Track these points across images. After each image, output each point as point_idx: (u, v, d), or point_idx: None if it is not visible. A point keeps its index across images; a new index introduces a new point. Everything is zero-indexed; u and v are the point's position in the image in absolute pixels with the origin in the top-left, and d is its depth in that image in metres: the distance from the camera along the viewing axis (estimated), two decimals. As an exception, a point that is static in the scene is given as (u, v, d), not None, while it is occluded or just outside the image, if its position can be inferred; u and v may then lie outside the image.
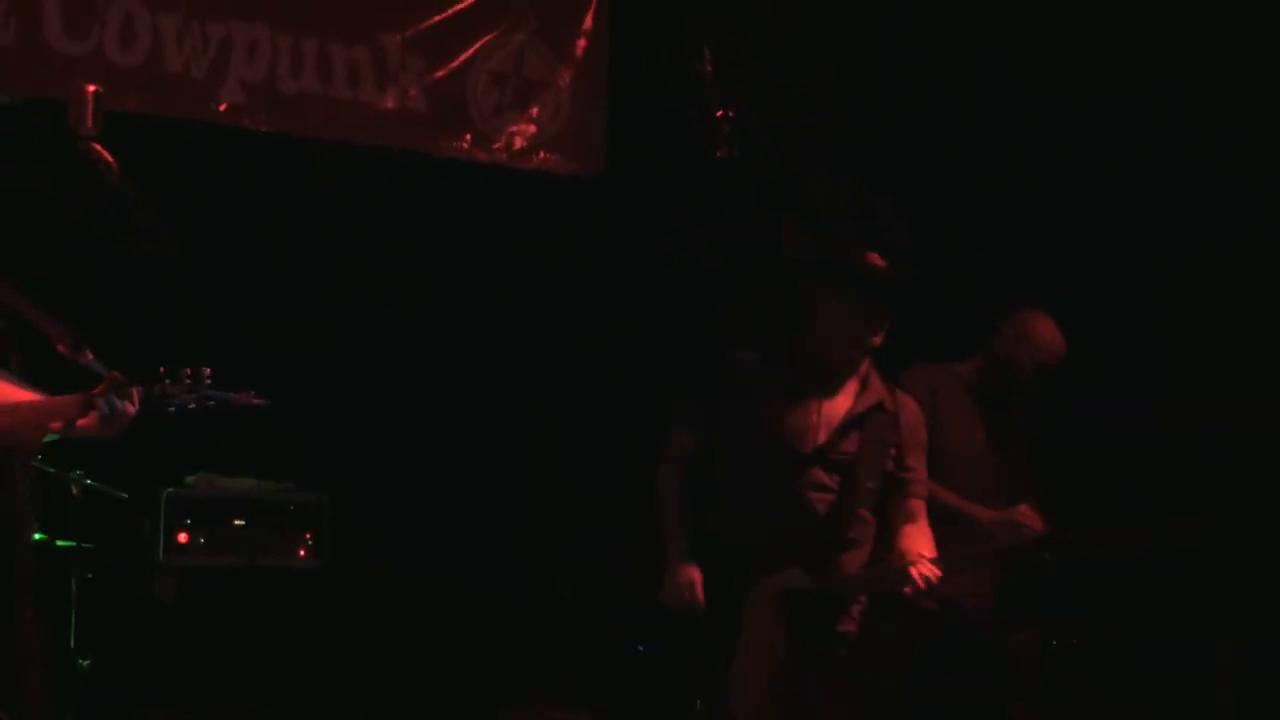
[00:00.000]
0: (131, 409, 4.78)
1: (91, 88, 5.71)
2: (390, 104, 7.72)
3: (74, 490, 6.73)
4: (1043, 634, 6.57)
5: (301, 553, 7.64)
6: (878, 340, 5.72)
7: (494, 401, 8.35)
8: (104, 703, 7.37)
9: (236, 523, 7.61)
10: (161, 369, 4.84)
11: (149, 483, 7.53)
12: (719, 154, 8.23)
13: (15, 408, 5.00)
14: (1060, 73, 8.07)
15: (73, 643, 7.22)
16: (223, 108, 7.45)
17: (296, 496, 7.71)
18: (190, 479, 7.73)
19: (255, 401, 5.05)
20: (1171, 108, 7.84)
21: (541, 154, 8.05)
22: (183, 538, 7.52)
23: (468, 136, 7.90)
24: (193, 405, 4.83)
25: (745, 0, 8.42)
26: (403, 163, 7.95)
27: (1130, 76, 7.94)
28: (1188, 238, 7.69)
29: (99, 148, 5.62)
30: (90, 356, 4.88)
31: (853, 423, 5.73)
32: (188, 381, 4.82)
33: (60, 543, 6.80)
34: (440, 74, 7.83)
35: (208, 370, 4.87)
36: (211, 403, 4.85)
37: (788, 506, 5.67)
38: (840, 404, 5.77)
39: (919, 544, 5.69)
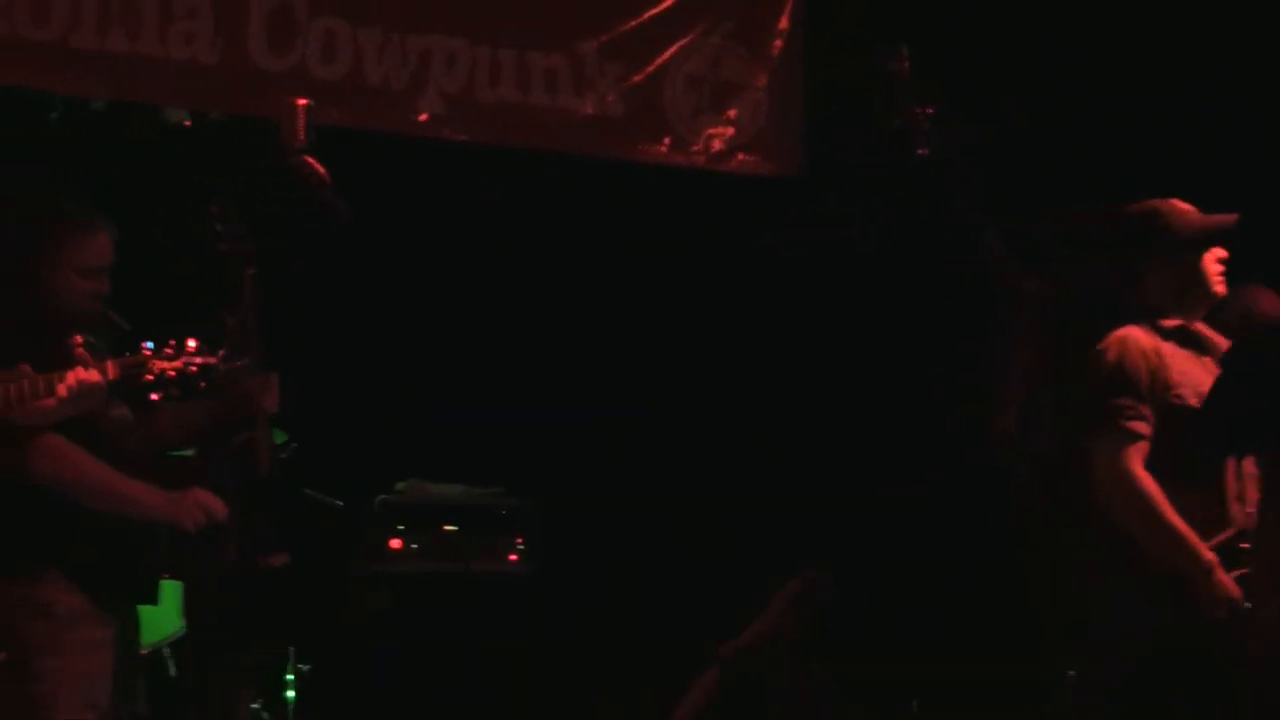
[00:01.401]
0: (96, 377, 4.81)
1: (302, 102, 5.80)
2: (589, 110, 7.73)
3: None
4: None
5: (513, 558, 7.68)
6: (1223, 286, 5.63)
7: (695, 402, 8.37)
8: (321, 708, 7.49)
9: (447, 529, 7.67)
10: (145, 341, 4.88)
11: (360, 490, 7.64)
12: (919, 152, 8.18)
13: None
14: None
15: (291, 649, 7.37)
16: (423, 119, 7.50)
17: (507, 501, 7.76)
18: (401, 486, 7.81)
19: (237, 364, 5.10)
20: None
21: (740, 156, 8.02)
22: (395, 544, 7.60)
23: (666, 140, 7.90)
24: (173, 374, 4.85)
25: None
26: (584, 169, 7.98)
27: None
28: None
29: (311, 161, 5.70)
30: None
31: None
32: (168, 351, 4.86)
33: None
34: (637, 78, 7.83)
35: (192, 341, 4.91)
36: (193, 369, 4.88)
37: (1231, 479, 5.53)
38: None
39: None
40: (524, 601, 7.68)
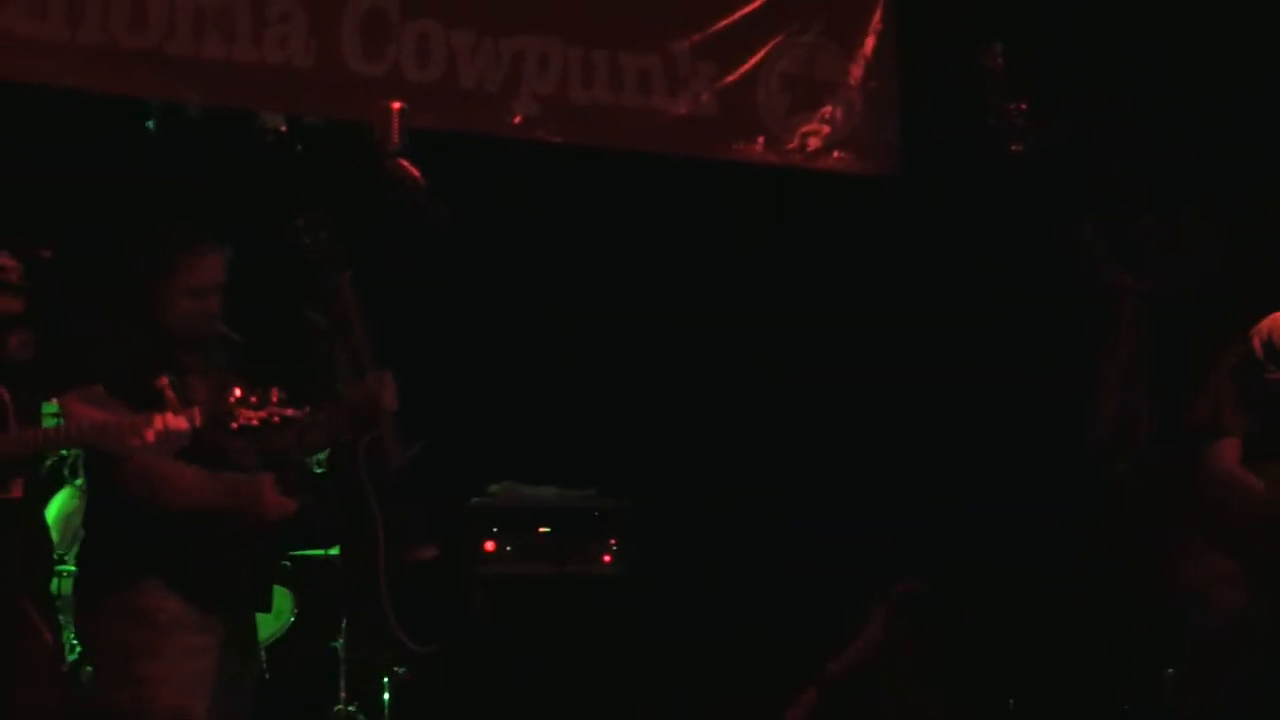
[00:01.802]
0: (183, 425, 4.89)
1: (396, 105, 5.81)
2: (682, 110, 7.70)
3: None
4: None
5: (607, 559, 7.67)
6: None
7: (790, 403, 8.34)
8: (415, 710, 7.51)
9: (542, 531, 7.66)
10: (236, 389, 4.92)
11: (453, 494, 7.64)
12: (1013, 149, 8.12)
13: (65, 431, 5.14)
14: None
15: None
16: (517, 120, 7.49)
17: (600, 503, 7.74)
18: (494, 488, 7.81)
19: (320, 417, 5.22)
20: None
21: (836, 154, 7.97)
22: (489, 547, 7.60)
23: (760, 140, 7.85)
24: (256, 424, 4.91)
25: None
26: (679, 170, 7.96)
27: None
28: None
29: (405, 164, 5.71)
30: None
31: None
32: (253, 400, 4.91)
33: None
34: (731, 78, 7.79)
35: (275, 392, 4.95)
36: (275, 420, 4.95)
37: None
38: None
39: None
40: (618, 603, 7.66)
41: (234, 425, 4.91)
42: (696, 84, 7.72)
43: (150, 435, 4.84)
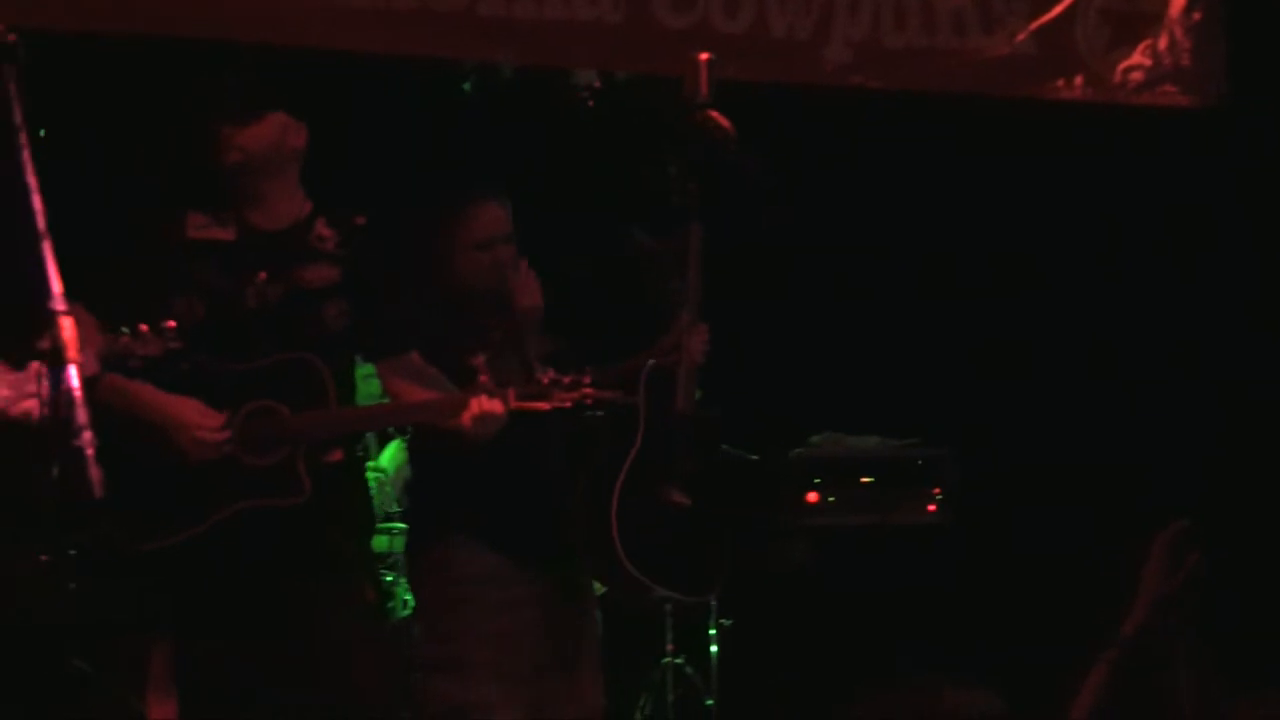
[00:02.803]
0: (499, 408, 4.84)
1: (704, 56, 5.78)
2: (1000, 50, 7.52)
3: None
4: None
5: (931, 509, 7.59)
6: None
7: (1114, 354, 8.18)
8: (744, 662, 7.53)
9: (864, 481, 7.61)
10: (550, 370, 4.93)
11: (775, 445, 7.63)
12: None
13: (385, 411, 5.29)
14: None
15: (713, 604, 7.41)
16: (829, 68, 7.40)
17: (924, 452, 7.67)
18: (816, 439, 7.78)
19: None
20: None
21: (1160, 88, 7.72)
22: (812, 498, 7.58)
23: (1079, 78, 7.64)
24: (569, 405, 4.86)
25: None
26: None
27: None
28: None
29: (716, 115, 5.67)
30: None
31: None
32: (566, 381, 4.87)
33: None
34: (1047, 17, 7.59)
35: (588, 374, 4.88)
36: (588, 402, 4.86)
37: None
38: None
39: None
40: (943, 552, 7.58)
41: (544, 406, 4.93)
42: (1012, 23, 7.53)
43: (467, 418, 4.88)
